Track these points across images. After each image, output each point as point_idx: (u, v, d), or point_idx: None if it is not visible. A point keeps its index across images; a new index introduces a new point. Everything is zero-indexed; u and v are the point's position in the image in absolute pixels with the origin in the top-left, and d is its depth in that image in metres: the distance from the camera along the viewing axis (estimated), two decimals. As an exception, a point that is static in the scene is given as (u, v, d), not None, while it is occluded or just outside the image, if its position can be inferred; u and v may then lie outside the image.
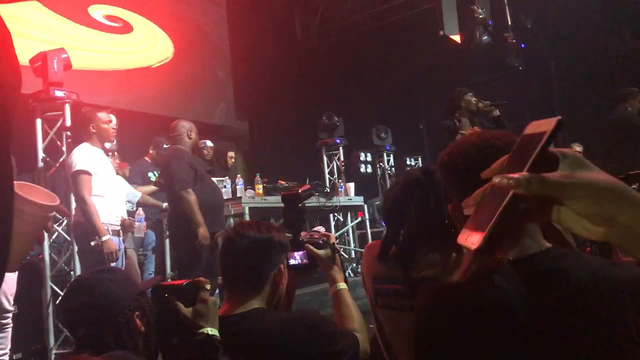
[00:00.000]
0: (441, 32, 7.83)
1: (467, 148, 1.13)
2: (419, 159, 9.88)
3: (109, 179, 4.20)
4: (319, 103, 9.53)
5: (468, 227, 0.64)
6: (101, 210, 3.97)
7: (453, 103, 4.92)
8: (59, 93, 4.74)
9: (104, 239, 3.88)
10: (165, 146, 5.99)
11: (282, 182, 6.16)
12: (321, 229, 2.09)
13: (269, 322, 1.60)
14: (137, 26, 7.99)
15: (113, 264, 3.97)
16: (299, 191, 2.09)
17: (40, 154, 4.79)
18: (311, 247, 1.91)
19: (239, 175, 5.68)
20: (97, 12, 7.42)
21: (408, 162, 9.72)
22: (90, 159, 4.05)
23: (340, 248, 2.03)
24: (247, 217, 5.14)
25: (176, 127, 4.65)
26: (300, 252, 1.91)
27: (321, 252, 1.91)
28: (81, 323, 1.59)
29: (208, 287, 1.42)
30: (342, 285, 1.90)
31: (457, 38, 8.23)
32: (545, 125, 0.63)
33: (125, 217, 4.47)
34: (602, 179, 0.62)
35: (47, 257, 4.71)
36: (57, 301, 4.41)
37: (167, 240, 5.96)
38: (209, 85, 9.03)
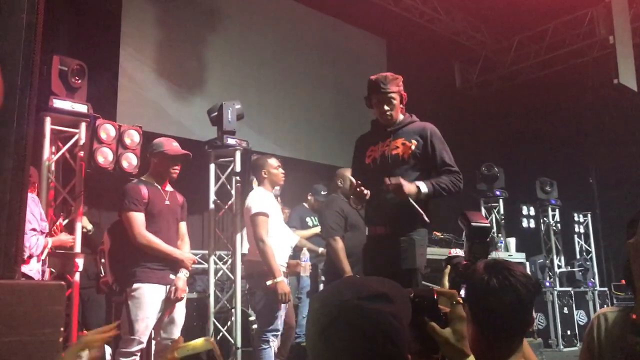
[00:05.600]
0: (616, 81, 7.27)
1: None
2: (588, 215, 9.10)
3: (279, 221, 4.35)
4: (477, 153, 9.27)
5: None
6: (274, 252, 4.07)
7: None
8: (231, 141, 5.13)
9: (278, 279, 3.92)
10: (322, 193, 6.20)
11: (437, 234, 5.99)
12: None
13: None
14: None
15: (283, 306, 4.06)
16: (488, 225, 2.11)
17: (212, 197, 5.20)
18: None
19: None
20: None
21: (576, 219, 9.01)
22: (266, 201, 4.22)
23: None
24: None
25: (335, 175, 4.81)
26: None
27: None
28: None
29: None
30: None
31: (633, 86, 7.58)
32: None
33: (289, 259, 4.62)
34: None
35: (212, 294, 5.05)
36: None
37: (322, 285, 6.06)
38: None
